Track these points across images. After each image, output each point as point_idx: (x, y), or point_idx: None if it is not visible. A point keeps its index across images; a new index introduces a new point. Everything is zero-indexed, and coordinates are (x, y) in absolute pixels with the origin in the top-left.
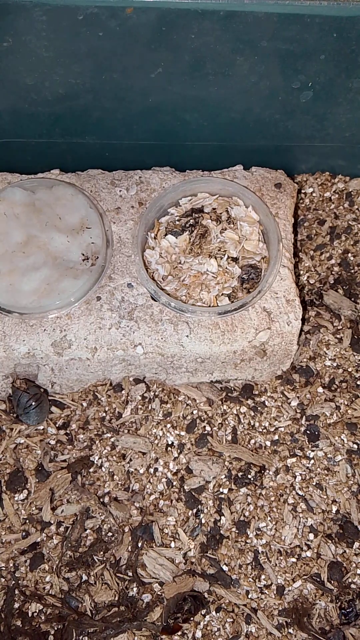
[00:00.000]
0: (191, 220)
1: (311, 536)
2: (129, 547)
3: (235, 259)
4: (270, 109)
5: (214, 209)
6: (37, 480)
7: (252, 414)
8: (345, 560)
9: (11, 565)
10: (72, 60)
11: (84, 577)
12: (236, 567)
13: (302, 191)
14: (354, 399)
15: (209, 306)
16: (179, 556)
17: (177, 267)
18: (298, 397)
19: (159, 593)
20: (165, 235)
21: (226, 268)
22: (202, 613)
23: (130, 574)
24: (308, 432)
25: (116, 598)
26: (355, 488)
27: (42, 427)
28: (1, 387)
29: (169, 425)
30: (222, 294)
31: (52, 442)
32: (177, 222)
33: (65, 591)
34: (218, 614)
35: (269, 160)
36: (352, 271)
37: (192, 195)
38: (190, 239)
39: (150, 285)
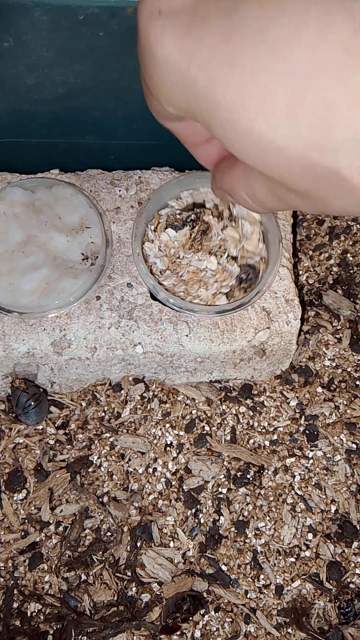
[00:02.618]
0: (192, 215)
1: (310, 536)
2: (128, 547)
3: (234, 258)
4: None
5: (215, 204)
6: (36, 480)
7: (251, 413)
8: (344, 560)
9: (10, 565)
10: (72, 60)
11: (83, 577)
12: (235, 567)
13: None
14: (353, 399)
15: (207, 304)
16: (178, 556)
17: (175, 261)
18: (297, 397)
19: (158, 593)
20: (166, 228)
21: (226, 266)
22: (201, 613)
23: (129, 573)
24: (307, 432)
25: (115, 598)
26: (354, 488)
27: (41, 427)
28: (0, 386)
29: (167, 425)
30: (220, 292)
31: (51, 442)
32: (177, 216)
33: (64, 591)
34: (217, 613)
35: None
36: (351, 271)
37: (194, 189)
38: (190, 235)
39: (150, 280)
